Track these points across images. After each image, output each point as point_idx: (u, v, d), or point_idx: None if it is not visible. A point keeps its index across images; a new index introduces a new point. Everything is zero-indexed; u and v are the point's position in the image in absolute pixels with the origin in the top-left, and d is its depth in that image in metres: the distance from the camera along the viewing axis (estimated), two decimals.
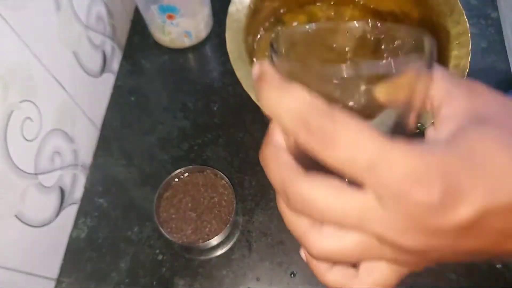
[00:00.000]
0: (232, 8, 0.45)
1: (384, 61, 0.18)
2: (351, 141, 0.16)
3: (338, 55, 0.24)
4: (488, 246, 0.17)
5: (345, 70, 0.17)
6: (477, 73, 0.59)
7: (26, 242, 0.43)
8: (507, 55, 0.61)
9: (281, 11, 0.53)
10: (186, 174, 0.50)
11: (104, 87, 0.59)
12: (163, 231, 0.46)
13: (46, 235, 0.47)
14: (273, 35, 0.21)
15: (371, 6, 0.53)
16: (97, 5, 0.55)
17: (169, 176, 0.49)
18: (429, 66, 0.18)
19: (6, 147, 0.39)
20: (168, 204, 0.49)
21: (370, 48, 0.23)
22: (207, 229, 0.47)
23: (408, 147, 0.15)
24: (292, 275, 0.48)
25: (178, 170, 0.49)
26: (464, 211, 0.15)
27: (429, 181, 0.15)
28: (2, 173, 0.38)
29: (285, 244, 0.49)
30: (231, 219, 0.47)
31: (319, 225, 0.18)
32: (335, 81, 0.18)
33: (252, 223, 0.51)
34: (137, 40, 0.65)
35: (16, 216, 0.41)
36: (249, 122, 0.57)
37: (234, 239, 0.50)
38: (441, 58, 0.44)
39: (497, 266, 0.47)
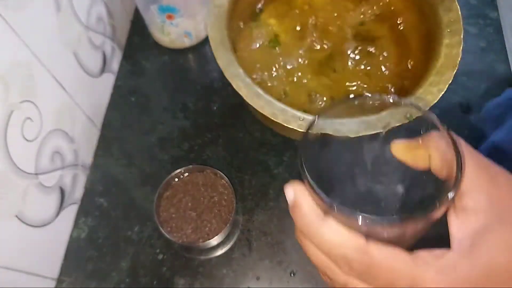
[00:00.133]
0: None
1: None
2: (389, 271, 0.19)
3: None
4: None
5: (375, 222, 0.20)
6: (476, 73, 0.59)
7: (27, 242, 0.43)
8: (506, 55, 0.61)
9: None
10: (186, 174, 0.50)
11: (104, 87, 0.59)
12: (163, 231, 0.46)
13: (47, 235, 0.47)
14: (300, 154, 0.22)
15: None
16: (97, 5, 0.55)
17: (169, 176, 0.49)
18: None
19: (6, 147, 0.39)
20: (168, 204, 0.49)
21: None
22: (207, 228, 0.48)
23: (438, 263, 0.19)
24: (292, 274, 0.48)
25: (178, 170, 0.49)
26: None
27: None
28: (2, 173, 0.39)
29: (285, 243, 0.49)
30: (231, 219, 0.47)
31: None
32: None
33: (252, 223, 0.51)
34: (137, 40, 0.65)
35: (16, 216, 0.41)
36: (249, 122, 0.57)
37: (234, 239, 0.50)
38: (432, 48, 0.43)
39: None
